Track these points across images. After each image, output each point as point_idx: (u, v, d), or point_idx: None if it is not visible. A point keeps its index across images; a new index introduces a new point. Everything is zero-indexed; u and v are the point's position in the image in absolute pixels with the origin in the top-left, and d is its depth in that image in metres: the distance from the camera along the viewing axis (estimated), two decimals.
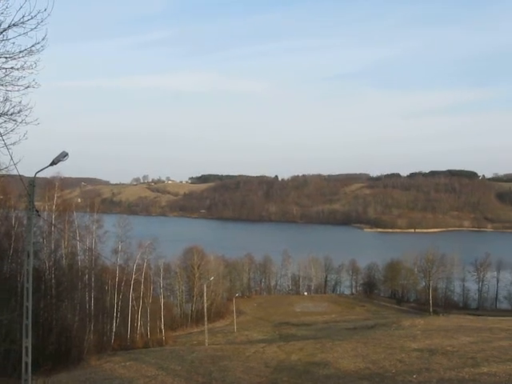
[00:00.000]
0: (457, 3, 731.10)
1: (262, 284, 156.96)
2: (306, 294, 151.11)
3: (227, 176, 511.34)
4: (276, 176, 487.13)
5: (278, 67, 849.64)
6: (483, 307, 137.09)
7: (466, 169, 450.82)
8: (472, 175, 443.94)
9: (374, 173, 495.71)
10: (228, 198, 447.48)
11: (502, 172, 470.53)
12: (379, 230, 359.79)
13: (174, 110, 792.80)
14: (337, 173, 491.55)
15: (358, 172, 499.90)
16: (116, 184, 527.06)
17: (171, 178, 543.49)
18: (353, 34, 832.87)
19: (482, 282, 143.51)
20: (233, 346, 47.36)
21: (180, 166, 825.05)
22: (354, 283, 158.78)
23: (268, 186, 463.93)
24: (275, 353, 33.24)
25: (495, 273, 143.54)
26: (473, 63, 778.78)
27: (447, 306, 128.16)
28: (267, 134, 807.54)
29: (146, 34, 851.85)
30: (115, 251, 71.60)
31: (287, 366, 26.84)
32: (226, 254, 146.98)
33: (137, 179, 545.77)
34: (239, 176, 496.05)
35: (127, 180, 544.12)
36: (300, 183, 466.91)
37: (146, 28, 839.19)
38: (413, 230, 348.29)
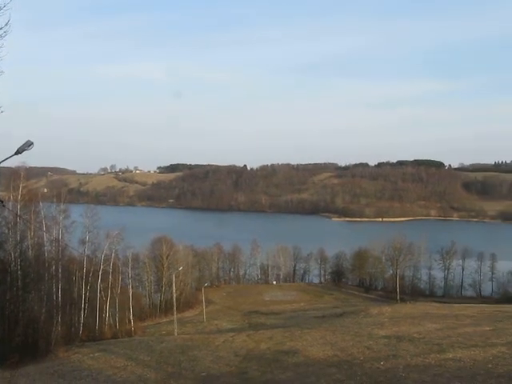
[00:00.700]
0: None
1: (231, 273, 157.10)
2: (274, 282, 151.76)
3: (196, 165, 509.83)
4: (245, 165, 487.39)
5: (245, 57, 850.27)
6: (449, 294, 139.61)
7: (432, 159, 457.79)
8: (438, 165, 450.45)
9: (343, 162, 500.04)
10: (197, 188, 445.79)
11: (467, 162, 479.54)
12: (347, 219, 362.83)
13: (142, 99, 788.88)
14: (305, 162, 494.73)
15: (326, 161, 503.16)
16: (83, 174, 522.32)
17: (139, 168, 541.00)
18: (317, 25, 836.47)
19: (448, 269, 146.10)
20: (202, 335, 47.28)
21: (148, 155, 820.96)
22: (322, 272, 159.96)
23: (237, 175, 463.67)
24: (244, 342, 33.31)
25: (460, 261, 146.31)
26: (439, 54, 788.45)
27: (414, 293, 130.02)
28: (237, 124, 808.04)
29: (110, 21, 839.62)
30: (83, 242, 70.72)
31: (256, 355, 26.93)
32: (194, 243, 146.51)
33: (104, 169, 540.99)
34: (208, 165, 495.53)
35: (94, 170, 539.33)
36: (269, 172, 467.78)
37: (110, 16, 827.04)
38: (380, 219, 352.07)
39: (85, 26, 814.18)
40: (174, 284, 76.44)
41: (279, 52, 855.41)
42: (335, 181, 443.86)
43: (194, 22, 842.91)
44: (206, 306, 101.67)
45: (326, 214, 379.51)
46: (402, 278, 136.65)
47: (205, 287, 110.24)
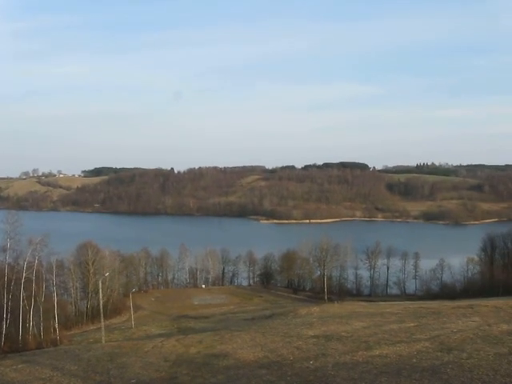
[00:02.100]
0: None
1: (159, 278, 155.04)
2: (203, 286, 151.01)
3: (122, 169, 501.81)
4: (172, 168, 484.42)
5: (170, 59, 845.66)
6: (375, 293, 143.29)
7: (357, 161, 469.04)
8: (363, 167, 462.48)
9: (270, 165, 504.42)
10: (123, 192, 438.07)
11: (391, 164, 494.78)
12: (275, 221, 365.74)
13: (66, 102, 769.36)
14: (233, 165, 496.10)
15: (253, 164, 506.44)
16: (3, 178, 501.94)
17: (63, 172, 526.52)
18: (241, 28, 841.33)
19: (374, 269, 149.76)
20: (131, 342, 46.46)
21: (72, 159, 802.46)
22: (251, 274, 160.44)
23: (164, 178, 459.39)
24: (174, 347, 32.93)
25: (385, 260, 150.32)
26: (367, 59, 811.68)
27: (341, 293, 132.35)
28: (162, 127, 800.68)
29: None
30: (3, 249, 68.21)
31: (186, 360, 26.67)
32: (121, 248, 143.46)
33: (26, 173, 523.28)
34: (134, 169, 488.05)
35: (15, 174, 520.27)
36: (196, 175, 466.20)
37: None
38: (308, 221, 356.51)
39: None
40: (100, 290, 74.98)
41: (203, 54, 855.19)
42: (263, 183, 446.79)
43: (118, 23, 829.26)
44: (135, 312, 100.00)
45: (254, 217, 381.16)
46: (330, 278, 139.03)
47: (132, 293, 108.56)
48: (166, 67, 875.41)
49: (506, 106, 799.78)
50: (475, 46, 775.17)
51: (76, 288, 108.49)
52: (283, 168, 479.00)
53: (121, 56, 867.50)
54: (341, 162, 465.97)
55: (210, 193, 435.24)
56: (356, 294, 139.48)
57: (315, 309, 60.08)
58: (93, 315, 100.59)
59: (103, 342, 60.81)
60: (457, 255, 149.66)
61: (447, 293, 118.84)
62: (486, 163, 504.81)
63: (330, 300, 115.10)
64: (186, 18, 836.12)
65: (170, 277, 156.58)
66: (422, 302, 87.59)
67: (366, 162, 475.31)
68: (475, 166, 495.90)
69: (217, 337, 35.56)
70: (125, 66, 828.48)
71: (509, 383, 14.63)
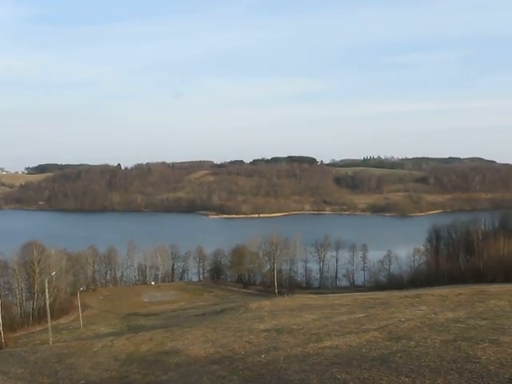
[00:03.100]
0: None
1: (108, 276, 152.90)
2: (153, 283, 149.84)
3: (67, 165, 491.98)
4: (119, 164, 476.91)
5: (115, 54, 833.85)
6: (325, 286, 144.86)
7: (305, 155, 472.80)
8: (311, 161, 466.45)
9: (218, 160, 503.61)
10: (69, 189, 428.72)
11: (338, 158, 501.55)
12: (224, 216, 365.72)
13: (6, 97, 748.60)
14: (181, 160, 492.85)
15: (202, 159, 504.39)
16: None
17: (5, 169, 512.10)
18: (187, 23, 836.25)
19: (323, 261, 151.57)
20: (79, 342, 45.59)
21: (14, 156, 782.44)
22: (201, 270, 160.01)
23: (111, 174, 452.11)
24: (124, 345, 32.52)
25: (334, 252, 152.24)
26: (315, 54, 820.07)
27: (291, 286, 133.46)
28: (111, 123, 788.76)
29: None
30: None
31: (137, 358, 26.37)
32: (67, 246, 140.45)
33: None
34: (80, 165, 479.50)
35: None
36: (144, 171, 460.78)
37: None
38: (257, 215, 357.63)
39: None
40: (46, 290, 73.31)
41: (149, 49, 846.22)
42: (211, 178, 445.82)
43: (64, 17, 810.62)
44: (83, 311, 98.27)
45: (203, 212, 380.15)
46: (280, 271, 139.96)
47: (80, 292, 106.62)
48: (112, 62, 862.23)
49: (450, 101, 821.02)
50: (421, 43, 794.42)
51: (21, 288, 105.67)
52: (232, 163, 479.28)
53: (65, 50, 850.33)
54: (289, 157, 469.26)
55: (158, 189, 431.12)
56: (306, 287, 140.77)
57: (266, 303, 60.19)
58: (39, 316, 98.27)
59: (50, 343, 59.50)
60: (404, 246, 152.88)
61: (395, 283, 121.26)
62: (430, 156, 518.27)
63: (281, 293, 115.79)
64: (132, 12, 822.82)
65: (118, 274, 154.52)
66: (370, 293, 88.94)
67: (313, 156, 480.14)
68: (420, 159, 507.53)
69: (167, 334, 35.32)
70: (71, 60, 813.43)
71: (455, 369, 14.93)
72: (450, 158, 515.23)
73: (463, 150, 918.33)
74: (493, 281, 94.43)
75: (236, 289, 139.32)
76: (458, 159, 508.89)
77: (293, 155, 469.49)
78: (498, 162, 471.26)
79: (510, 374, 13.96)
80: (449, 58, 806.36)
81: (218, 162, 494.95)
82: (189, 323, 50.26)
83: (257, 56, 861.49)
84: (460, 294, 40.54)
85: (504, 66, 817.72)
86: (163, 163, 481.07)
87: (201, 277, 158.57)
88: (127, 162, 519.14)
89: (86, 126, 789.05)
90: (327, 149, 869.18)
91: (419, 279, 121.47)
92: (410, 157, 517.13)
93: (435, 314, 27.70)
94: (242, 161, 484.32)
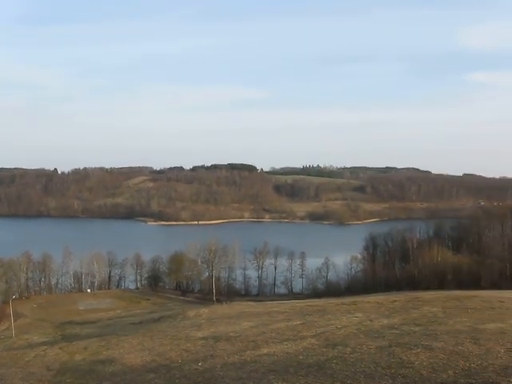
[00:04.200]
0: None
1: (42, 283, 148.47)
2: (89, 291, 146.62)
3: (1, 169, 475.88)
4: (55, 169, 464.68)
5: (63, 56, 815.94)
6: (263, 293, 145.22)
7: (245, 162, 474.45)
8: (251, 169, 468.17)
9: (158, 166, 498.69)
10: (2, 193, 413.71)
11: (278, 166, 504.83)
12: (163, 222, 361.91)
13: None
14: (119, 166, 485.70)
15: (141, 165, 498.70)
16: None
17: None
18: (130, 27, 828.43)
19: (262, 269, 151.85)
20: (11, 352, 44.24)
21: None
22: (138, 277, 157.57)
23: (47, 179, 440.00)
24: (58, 355, 31.76)
25: (273, 260, 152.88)
26: (254, 63, 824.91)
27: (230, 294, 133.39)
28: (48, 127, 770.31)
29: None
30: None
31: (71, 367, 25.77)
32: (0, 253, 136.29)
33: None
34: (15, 169, 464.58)
35: None
36: (81, 176, 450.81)
37: None
38: (196, 222, 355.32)
39: None
40: None
41: (97, 51, 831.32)
42: (150, 184, 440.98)
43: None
44: (15, 320, 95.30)
45: (142, 219, 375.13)
46: (218, 279, 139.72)
47: (13, 300, 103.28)
48: (49, 65, 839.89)
49: (387, 112, 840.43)
50: (360, 54, 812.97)
51: None
52: (171, 169, 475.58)
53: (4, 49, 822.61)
54: (229, 164, 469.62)
55: (96, 194, 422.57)
56: (244, 295, 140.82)
57: (204, 310, 59.98)
58: None
59: None
60: (341, 254, 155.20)
61: (332, 290, 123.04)
62: (368, 165, 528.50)
63: (219, 301, 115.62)
64: (76, 14, 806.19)
65: (53, 282, 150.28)
66: (308, 300, 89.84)
67: (253, 164, 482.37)
68: (358, 168, 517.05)
69: (103, 342, 34.72)
70: (8, 60, 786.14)
71: (389, 374, 15.22)
72: (386, 167, 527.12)
73: (400, 160, 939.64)
74: (427, 288, 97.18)
75: (174, 296, 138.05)
76: (395, 169, 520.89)
77: (233, 162, 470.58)
78: (433, 172, 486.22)
79: (442, 378, 14.33)
80: (387, 69, 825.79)
81: (158, 168, 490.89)
82: (125, 331, 49.54)
83: (200, 62, 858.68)
84: (395, 300, 41.44)
85: (438, 77, 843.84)
86: (101, 168, 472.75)
87: (138, 284, 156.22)
88: (64, 167, 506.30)
89: (21, 129, 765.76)
90: (267, 157, 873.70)
91: (356, 286, 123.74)
92: (348, 166, 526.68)
93: (371, 320, 28.22)
94: (181, 167, 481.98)
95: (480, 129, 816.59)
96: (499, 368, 15.16)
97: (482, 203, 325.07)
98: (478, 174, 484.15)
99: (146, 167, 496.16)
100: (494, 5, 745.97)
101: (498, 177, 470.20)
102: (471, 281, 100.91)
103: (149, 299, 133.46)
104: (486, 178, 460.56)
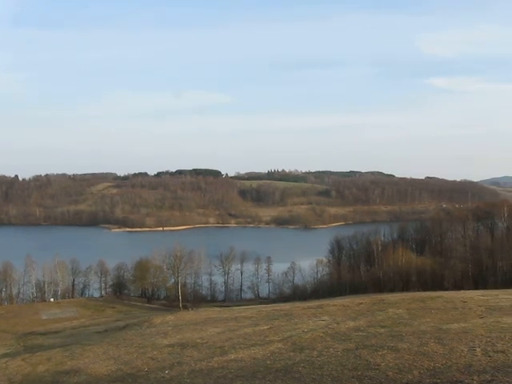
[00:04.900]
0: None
1: (3, 293, 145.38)
2: (52, 300, 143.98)
3: None
4: (16, 176, 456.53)
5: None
6: (229, 298, 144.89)
7: (210, 168, 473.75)
8: (216, 174, 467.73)
9: (121, 172, 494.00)
10: None
11: (243, 171, 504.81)
12: (128, 229, 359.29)
13: None
14: (83, 172, 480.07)
15: (104, 171, 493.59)
16: None
17: None
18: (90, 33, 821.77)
19: (228, 274, 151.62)
20: None
21: None
22: (103, 285, 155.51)
23: (7, 186, 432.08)
24: (20, 366, 31.07)
25: (239, 265, 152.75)
26: (218, 69, 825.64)
27: (196, 300, 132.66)
28: (7, 132, 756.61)
29: None
30: None
31: (34, 379, 25.24)
32: None
33: None
34: None
35: None
36: (43, 183, 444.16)
37: None
38: (161, 229, 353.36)
39: None
40: None
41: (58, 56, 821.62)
42: (114, 191, 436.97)
43: None
44: None
45: (106, 225, 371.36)
46: (184, 285, 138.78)
47: None
48: (13, 69, 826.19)
49: (351, 116, 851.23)
50: (324, 59, 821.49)
51: None
52: (135, 175, 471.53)
53: None
54: (194, 169, 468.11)
55: (59, 201, 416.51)
56: (211, 300, 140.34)
57: (170, 317, 59.43)
58: None
59: None
60: (307, 258, 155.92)
61: (299, 294, 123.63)
62: (332, 170, 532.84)
63: (185, 307, 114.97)
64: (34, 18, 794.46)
65: (14, 291, 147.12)
66: (275, 304, 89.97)
67: (218, 169, 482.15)
68: (323, 172, 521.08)
69: (67, 352, 34.13)
70: None
71: (355, 376, 15.31)
72: (351, 171, 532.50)
73: (364, 164, 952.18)
74: (392, 290, 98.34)
75: (140, 304, 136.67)
76: (359, 173, 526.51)
77: (198, 168, 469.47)
78: (396, 175, 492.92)
79: (408, 378, 14.45)
80: (352, 74, 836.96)
81: (122, 175, 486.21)
82: (90, 341, 48.75)
83: (162, 68, 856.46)
84: (361, 303, 41.70)
85: (400, 83, 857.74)
86: (64, 175, 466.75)
87: (103, 292, 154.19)
88: (25, 173, 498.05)
89: None
90: (232, 162, 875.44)
91: (322, 290, 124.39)
92: (312, 170, 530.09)
93: (337, 323, 28.34)
94: (146, 173, 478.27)
95: (441, 133, 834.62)
96: (463, 367, 15.37)
97: (444, 205, 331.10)
98: (440, 177, 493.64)
99: (110, 173, 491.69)
100: (453, 13, 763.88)
101: (459, 180, 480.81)
102: (435, 282, 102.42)
103: (114, 307, 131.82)
104: (448, 181, 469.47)
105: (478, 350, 17.35)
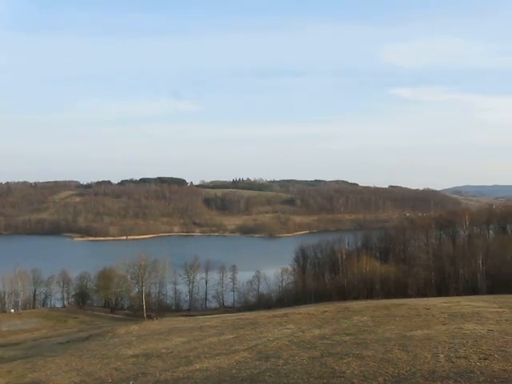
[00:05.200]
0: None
1: None
2: (12, 311, 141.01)
3: None
4: None
5: None
6: (194, 308, 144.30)
7: (175, 176, 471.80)
8: (181, 182, 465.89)
9: (84, 180, 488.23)
10: None
11: (208, 179, 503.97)
12: (91, 238, 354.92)
13: None
14: (44, 180, 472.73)
15: (67, 179, 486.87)
16: None
17: None
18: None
19: (193, 283, 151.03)
20: None
21: None
22: (65, 295, 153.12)
23: None
24: None
25: (204, 274, 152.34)
26: (185, 76, 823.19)
27: (161, 309, 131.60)
28: None
29: None
30: None
31: None
32: None
33: None
34: None
35: None
36: (4, 191, 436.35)
37: None
38: (125, 238, 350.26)
39: None
40: None
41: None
42: (77, 199, 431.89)
43: None
44: None
45: (68, 234, 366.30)
46: (148, 295, 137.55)
47: None
48: None
49: (316, 126, 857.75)
50: (289, 69, 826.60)
51: None
52: (99, 183, 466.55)
53: None
54: (158, 178, 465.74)
55: (20, 210, 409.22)
56: (175, 310, 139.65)
57: (134, 327, 58.75)
58: None
59: None
60: (272, 266, 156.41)
61: (264, 303, 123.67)
62: (297, 178, 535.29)
63: (149, 317, 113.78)
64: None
65: None
66: (240, 313, 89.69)
67: (183, 177, 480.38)
68: (287, 181, 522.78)
69: (28, 364, 33.42)
70: None
71: None
72: (315, 180, 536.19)
73: (328, 173, 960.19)
74: (356, 297, 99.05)
75: (103, 314, 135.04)
76: (324, 181, 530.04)
77: (162, 176, 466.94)
78: (360, 184, 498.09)
79: None
80: (320, 83, 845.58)
81: (85, 183, 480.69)
82: (52, 352, 47.85)
83: (133, 75, 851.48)
84: (326, 311, 41.84)
85: (368, 92, 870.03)
86: (25, 183, 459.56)
87: (65, 302, 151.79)
88: None
89: None
90: (197, 170, 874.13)
91: (287, 298, 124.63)
92: (277, 179, 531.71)
93: (302, 331, 28.39)
94: (109, 181, 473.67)
95: (405, 143, 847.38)
96: (427, 373, 15.52)
97: (407, 214, 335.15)
98: (403, 185, 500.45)
99: (73, 181, 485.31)
100: (416, 24, 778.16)
101: (421, 188, 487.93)
102: (398, 289, 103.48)
103: (77, 317, 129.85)
104: (411, 190, 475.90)
105: (442, 356, 17.55)
